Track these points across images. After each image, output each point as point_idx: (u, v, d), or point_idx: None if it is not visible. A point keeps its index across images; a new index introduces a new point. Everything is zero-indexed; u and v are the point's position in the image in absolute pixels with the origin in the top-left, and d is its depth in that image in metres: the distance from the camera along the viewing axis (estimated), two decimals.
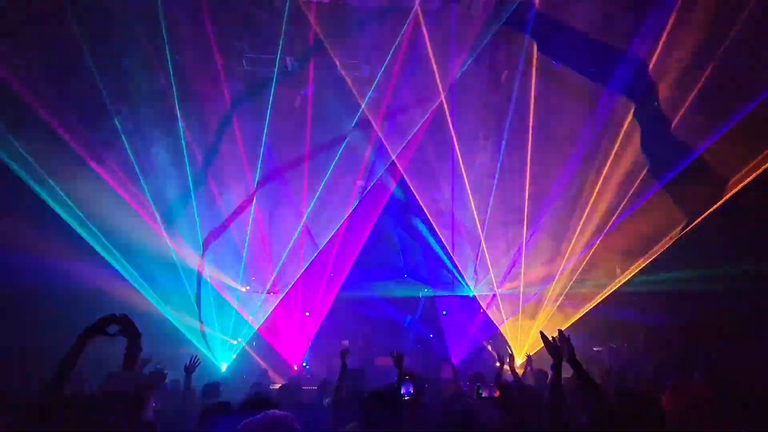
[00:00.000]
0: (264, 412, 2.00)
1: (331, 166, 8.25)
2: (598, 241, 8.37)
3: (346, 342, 8.38)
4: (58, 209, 6.44)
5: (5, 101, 5.49)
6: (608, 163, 7.80)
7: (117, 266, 7.14)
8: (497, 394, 2.77)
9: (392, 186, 9.24)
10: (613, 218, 8.03)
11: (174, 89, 6.74)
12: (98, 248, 6.91)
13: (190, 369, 4.42)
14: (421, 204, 9.08)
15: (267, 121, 7.26)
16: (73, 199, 6.51)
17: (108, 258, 7.02)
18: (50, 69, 5.79)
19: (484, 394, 2.85)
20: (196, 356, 4.56)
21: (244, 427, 1.93)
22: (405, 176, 8.60)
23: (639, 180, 7.56)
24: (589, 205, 8.24)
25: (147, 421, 1.78)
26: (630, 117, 7.20)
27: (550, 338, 2.60)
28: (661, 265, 7.57)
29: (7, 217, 5.87)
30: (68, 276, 6.40)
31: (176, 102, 6.81)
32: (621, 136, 7.45)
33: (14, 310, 6.02)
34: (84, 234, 6.75)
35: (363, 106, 7.46)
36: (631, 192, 7.70)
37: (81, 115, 6.10)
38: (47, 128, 5.86)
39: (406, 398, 2.52)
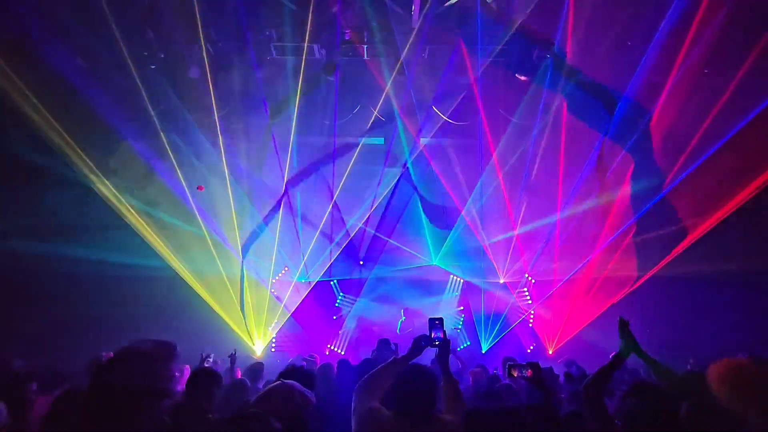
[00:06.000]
0: (281, 381, 2.24)
1: (356, 153, 8.33)
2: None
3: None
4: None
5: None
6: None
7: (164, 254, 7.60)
8: (528, 373, 2.75)
9: (420, 172, 9.24)
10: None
11: (209, 80, 6.97)
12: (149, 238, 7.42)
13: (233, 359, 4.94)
14: (452, 189, 9.02)
15: (296, 108, 7.38)
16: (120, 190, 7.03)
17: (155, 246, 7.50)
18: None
19: (515, 374, 2.82)
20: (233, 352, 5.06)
21: (262, 394, 2.22)
22: (435, 159, 8.56)
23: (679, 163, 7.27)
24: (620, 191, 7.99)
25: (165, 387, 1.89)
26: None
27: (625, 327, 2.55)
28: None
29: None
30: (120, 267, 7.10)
31: (212, 94, 7.05)
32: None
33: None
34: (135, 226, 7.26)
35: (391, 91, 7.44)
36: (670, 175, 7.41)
37: (121, 107, 6.42)
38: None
39: (436, 342, 2.55)
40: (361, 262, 10.07)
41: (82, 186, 6.70)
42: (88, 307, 6.94)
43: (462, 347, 9.64)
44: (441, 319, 2.60)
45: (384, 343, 5.21)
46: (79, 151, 6.37)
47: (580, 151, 8.01)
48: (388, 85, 7.49)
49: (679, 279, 7.77)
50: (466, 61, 7.14)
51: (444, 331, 2.58)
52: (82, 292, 7.05)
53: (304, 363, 5.54)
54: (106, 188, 6.85)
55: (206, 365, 4.84)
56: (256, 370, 4.84)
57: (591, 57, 6.73)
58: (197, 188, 7.67)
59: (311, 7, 6.53)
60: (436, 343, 2.54)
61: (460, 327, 10.83)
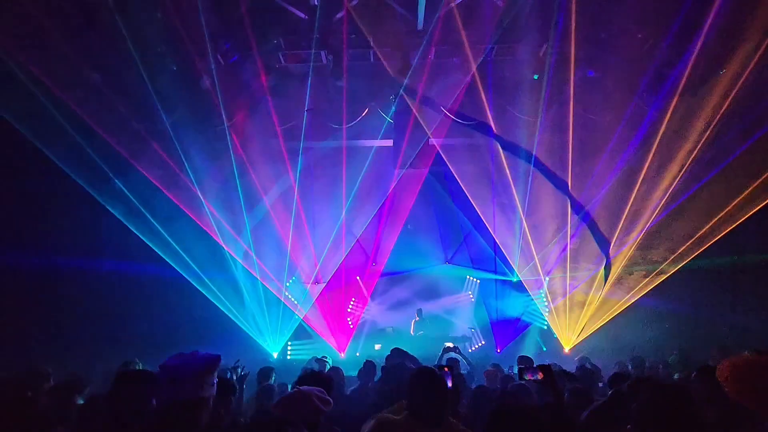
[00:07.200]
0: (297, 388, 2.27)
1: (370, 156, 8.38)
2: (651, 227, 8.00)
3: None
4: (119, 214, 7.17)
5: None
6: (656, 144, 7.37)
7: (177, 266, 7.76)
8: (540, 376, 2.74)
9: (432, 173, 9.27)
10: (664, 200, 7.63)
11: (218, 90, 7.08)
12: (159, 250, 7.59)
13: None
14: (464, 188, 9.02)
15: (305, 116, 7.46)
16: (138, 200, 7.22)
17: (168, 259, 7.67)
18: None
19: (527, 377, 2.82)
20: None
21: (280, 400, 2.23)
22: (445, 159, 8.58)
23: (692, 161, 7.13)
24: (637, 186, 7.85)
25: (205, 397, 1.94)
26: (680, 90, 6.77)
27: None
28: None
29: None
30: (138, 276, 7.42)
31: (221, 103, 7.18)
32: (671, 110, 7.01)
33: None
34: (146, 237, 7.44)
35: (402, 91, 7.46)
36: (683, 171, 7.28)
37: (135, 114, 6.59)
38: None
39: (445, 368, 2.60)
40: (373, 264, 10.12)
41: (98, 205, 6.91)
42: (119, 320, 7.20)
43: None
44: (456, 347, 2.65)
45: (397, 351, 5.22)
46: (93, 154, 6.55)
47: (592, 146, 7.92)
48: (401, 89, 7.54)
49: (703, 271, 7.66)
50: (472, 61, 7.13)
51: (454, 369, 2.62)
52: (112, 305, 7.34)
53: (317, 365, 5.63)
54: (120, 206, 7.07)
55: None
56: (264, 373, 4.88)
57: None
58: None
59: (317, 14, 6.61)
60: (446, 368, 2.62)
61: (475, 328, 10.83)
